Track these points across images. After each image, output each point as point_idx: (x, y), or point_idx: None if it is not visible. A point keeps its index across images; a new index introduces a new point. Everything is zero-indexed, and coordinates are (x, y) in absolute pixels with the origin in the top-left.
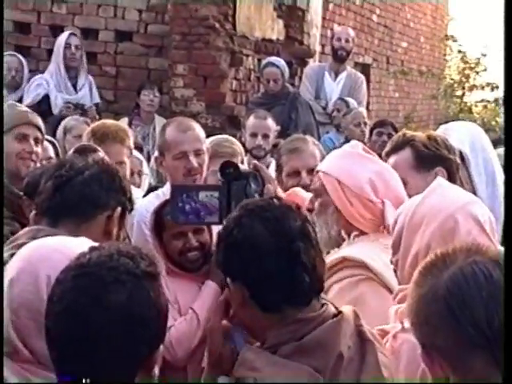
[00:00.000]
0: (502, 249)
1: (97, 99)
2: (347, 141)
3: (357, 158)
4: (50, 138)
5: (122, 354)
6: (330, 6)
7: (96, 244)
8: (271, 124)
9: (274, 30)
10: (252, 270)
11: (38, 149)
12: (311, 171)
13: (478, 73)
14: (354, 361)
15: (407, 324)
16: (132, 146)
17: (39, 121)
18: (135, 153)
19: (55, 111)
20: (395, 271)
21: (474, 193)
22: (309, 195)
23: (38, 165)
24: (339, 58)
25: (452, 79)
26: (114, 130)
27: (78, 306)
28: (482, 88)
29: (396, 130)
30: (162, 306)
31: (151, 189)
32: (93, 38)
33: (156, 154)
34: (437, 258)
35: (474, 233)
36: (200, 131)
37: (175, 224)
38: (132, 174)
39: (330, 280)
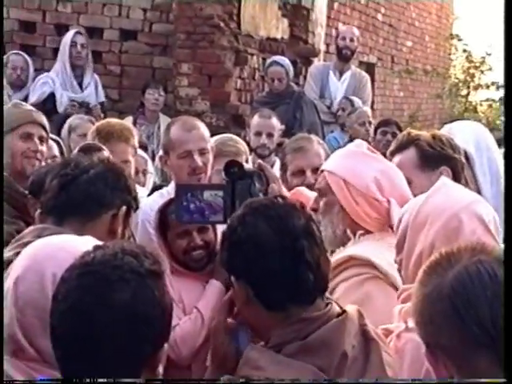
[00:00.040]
0: (502, 247)
1: (102, 98)
2: (352, 140)
3: (361, 157)
4: (54, 136)
5: (127, 352)
6: (335, 4)
7: (101, 243)
8: (276, 123)
9: (279, 29)
10: (256, 268)
11: (43, 147)
12: (316, 170)
13: (482, 72)
14: (358, 360)
15: (411, 323)
16: (137, 144)
17: (44, 120)
18: (140, 152)
19: (60, 109)
20: (399, 270)
21: (479, 192)
22: (313, 194)
23: (43, 163)
24: (344, 57)
25: (457, 78)
26: (118, 129)
27: (82, 305)
28: (487, 87)
29: (400, 130)
30: (166, 304)
31: (156, 188)
32: (97, 36)
33: (161, 152)
34: (441, 257)
35: (478, 232)
36: (205, 130)
37: (180, 223)
38: (137, 172)
39: (336, 279)
